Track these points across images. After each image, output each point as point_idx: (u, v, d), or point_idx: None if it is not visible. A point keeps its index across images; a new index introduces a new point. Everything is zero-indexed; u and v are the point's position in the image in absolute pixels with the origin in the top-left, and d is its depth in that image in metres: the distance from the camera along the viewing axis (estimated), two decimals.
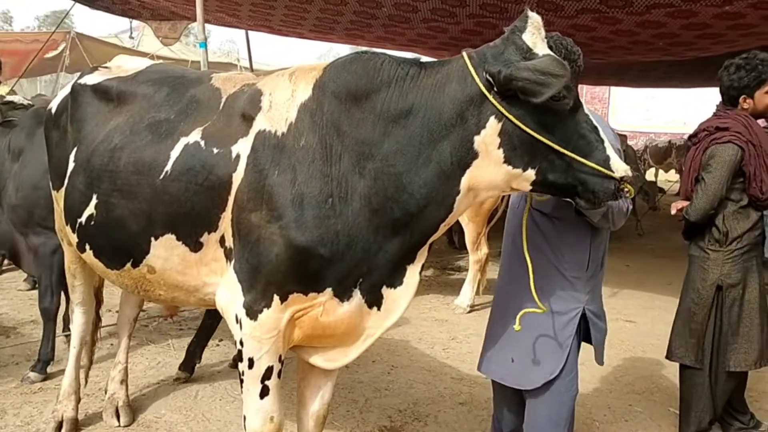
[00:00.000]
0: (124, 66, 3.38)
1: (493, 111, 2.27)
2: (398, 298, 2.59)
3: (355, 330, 2.64)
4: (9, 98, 5.07)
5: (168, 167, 2.72)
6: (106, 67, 3.42)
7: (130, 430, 3.82)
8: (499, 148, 2.29)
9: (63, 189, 3.30)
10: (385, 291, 2.58)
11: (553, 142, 2.25)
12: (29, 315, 5.81)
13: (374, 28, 8.90)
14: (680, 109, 23.14)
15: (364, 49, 2.65)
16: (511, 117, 2.24)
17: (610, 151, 2.29)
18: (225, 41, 52.75)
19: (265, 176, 2.48)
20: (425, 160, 2.36)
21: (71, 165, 3.19)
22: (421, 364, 5.06)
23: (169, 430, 3.83)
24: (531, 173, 2.31)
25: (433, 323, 6.17)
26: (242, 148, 2.58)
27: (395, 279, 2.57)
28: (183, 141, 2.74)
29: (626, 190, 2.31)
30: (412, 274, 2.57)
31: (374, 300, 2.59)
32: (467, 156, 2.33)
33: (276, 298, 2.50)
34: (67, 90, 3.48)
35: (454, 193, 2.38)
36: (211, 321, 4.65)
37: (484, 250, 6.71)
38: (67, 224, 3.23)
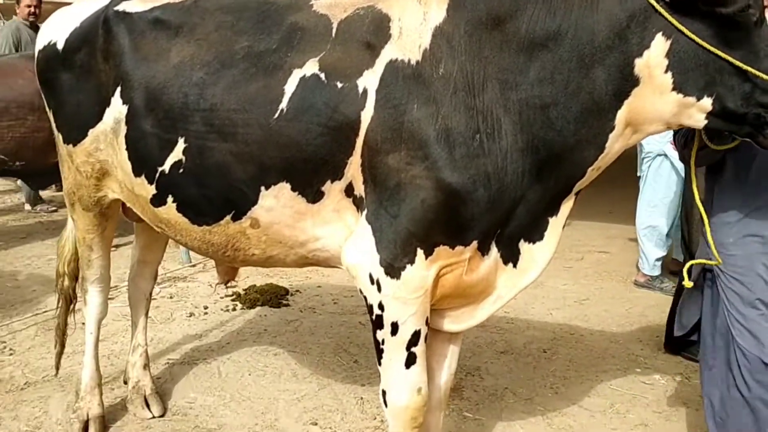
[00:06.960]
0: None
1: (660, 27, 1.94)
2: (536, 255, 2.32)
3: (489, 288, 2.36)
4: None
5: (283, 105, 2.29)
6: None
7: (166, 420, 3.32)
8: (666, 71, 1.97)
9: (87, 140, 2.78)
10: (523, 246, 2.30)
11: (737, 60, 1.92)
12: None
13: None
14: None
15: None
16: (687, 32, 1.91)
17: None
18: None
19: (403, 112, 2.14)
20: (574, 89, 2.04)
21: (121, 108, 2.61)
22: None
23: (212, 415, 3.36)
24: (707, 102, 1.98)
25: None
26: (369, 81, 2.20)
27: (534, 233, 2.30)
28: (297, 73, 2.29)
29: None
30: (555, 228, 2.30)
31: (510, 255, 2.31)
32: (626, 83, 2.01)
33: (420, 252, 2.18)
34: (70, 23, 2.82)
35: (607, 129, 2.07)
36: None
37: None
38: (138, 176, 2.64)
